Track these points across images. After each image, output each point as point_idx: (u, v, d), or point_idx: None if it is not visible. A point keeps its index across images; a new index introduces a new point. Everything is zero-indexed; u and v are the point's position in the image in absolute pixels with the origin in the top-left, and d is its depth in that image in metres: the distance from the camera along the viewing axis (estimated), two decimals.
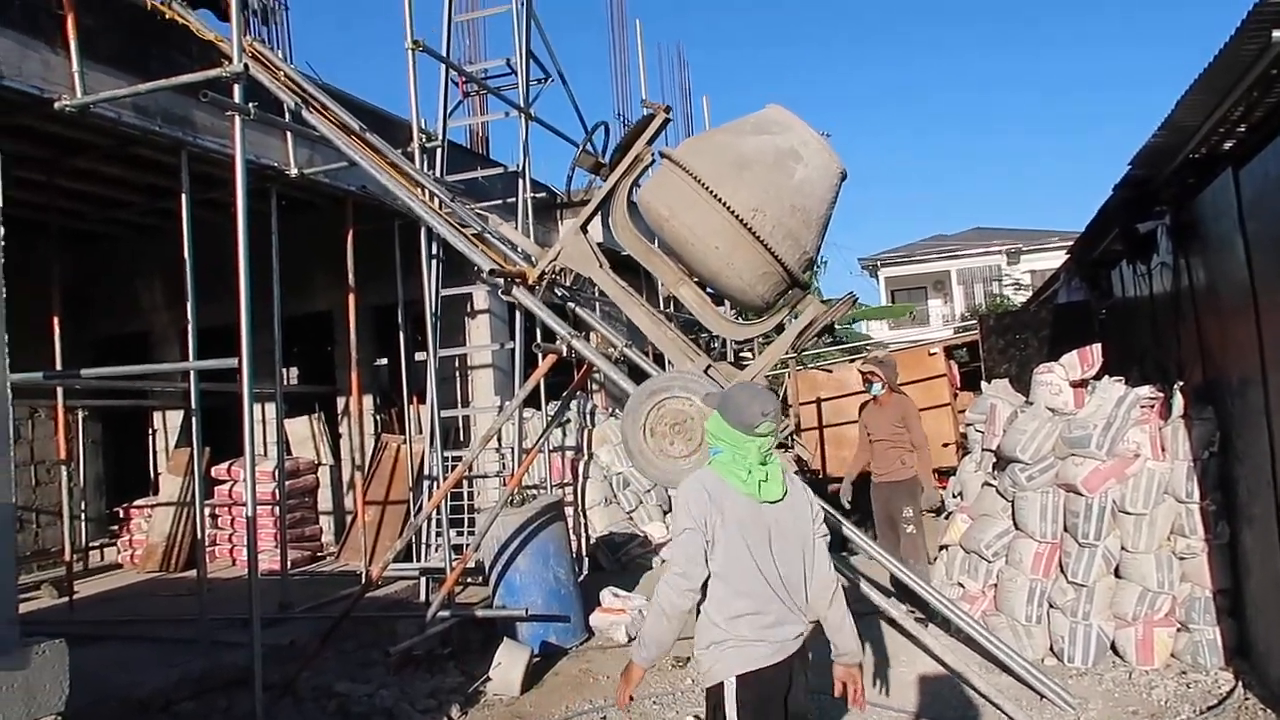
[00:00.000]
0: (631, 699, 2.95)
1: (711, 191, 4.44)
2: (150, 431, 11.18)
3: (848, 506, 7.09)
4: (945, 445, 11.20)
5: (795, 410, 13.00)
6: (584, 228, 5.08)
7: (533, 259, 5.33)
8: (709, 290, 5.29)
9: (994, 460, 6.34)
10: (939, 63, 79.99)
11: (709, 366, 4.96)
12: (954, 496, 7.08)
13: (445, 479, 7.41)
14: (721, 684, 2.77)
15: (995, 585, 5.94)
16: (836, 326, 21.68)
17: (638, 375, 5.25)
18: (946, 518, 6.85)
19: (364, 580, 5.92)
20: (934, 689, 5.17)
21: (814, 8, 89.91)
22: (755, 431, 2.79)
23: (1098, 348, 5.94)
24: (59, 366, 7.47)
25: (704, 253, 4.59)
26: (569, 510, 8.77)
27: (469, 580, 7.90)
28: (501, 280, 5.09)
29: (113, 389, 9.70)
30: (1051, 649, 5.59)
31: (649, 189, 4.77)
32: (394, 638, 6.27)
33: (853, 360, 14.24)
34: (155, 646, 6.32)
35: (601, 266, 5.06)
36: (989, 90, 78.11)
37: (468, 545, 6.40)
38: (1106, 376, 5.92)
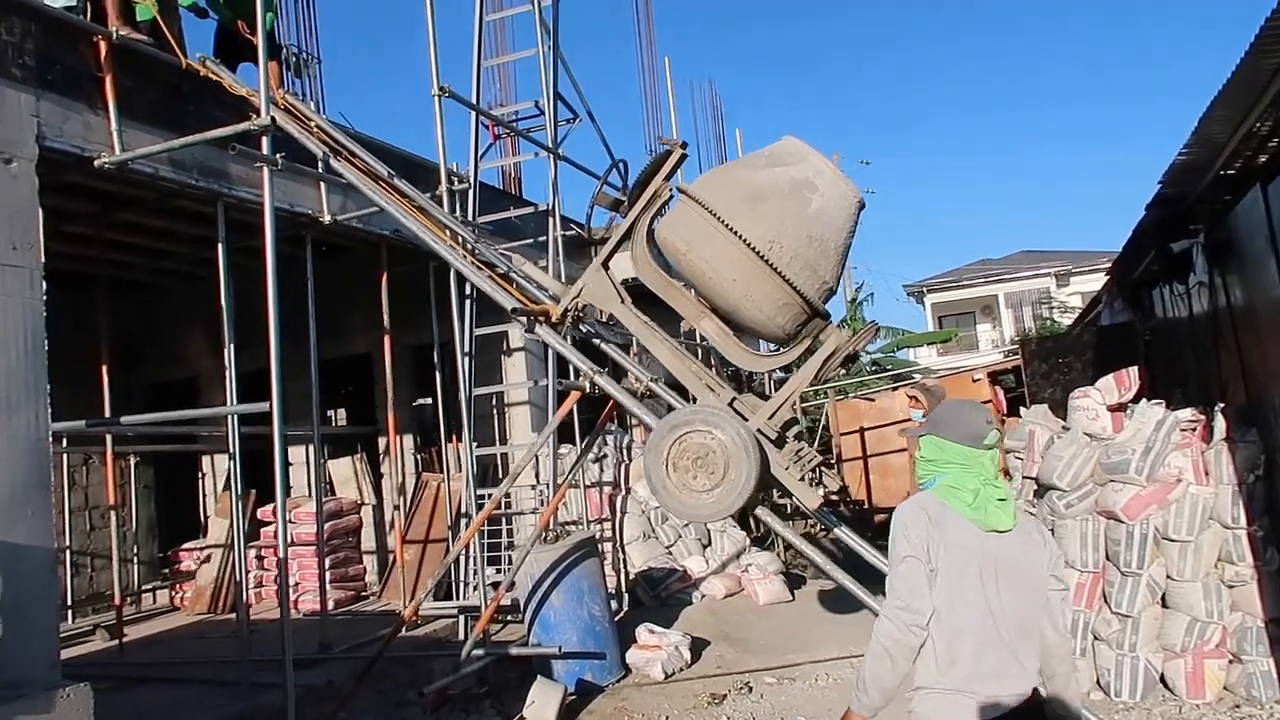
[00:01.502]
0: None
1: (727, 224, 4.46)
2: (200, 475, 11.42)
3: None
4: None
5: (836, 441, 12.89)
6: (605, 264, 5.13)
7: (557, 297, 5.38)
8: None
9: (1034, 488, 6.21)
10: (980, 81, 79.34)
11: (733, 399, 4.95)
12: None
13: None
14: None
15: None
16: (880, 355, 21.45)
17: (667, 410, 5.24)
18: None
19: (403, 619, 5.95)
20: None
21: (849, 29, 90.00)
22: (984, 444, 2.47)
23: (1134, 370, 5.81)
24: (109, 413, 7.69)
25: (722, 285, 4.61)
26: (607, 546, 8.76)
27: (508, 618, 7.91)
28: (525, 319, 5.14)
29: (163, 434, 9.95)
30: (1098, 682, 5.41)
31: (666, 224, 4.81)
32: (430, 677, 6.28)
33: (896, 388, 14.10)
34: (198, 688, 6.41)
35: (623, 302, 5.09)
36: (1034, 108, 77.22)
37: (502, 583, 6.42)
38: (1145, 400, 5.78)
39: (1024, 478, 6.44)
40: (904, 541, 2.43)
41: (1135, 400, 5.80)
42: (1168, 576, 5.28)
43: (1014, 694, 2.38)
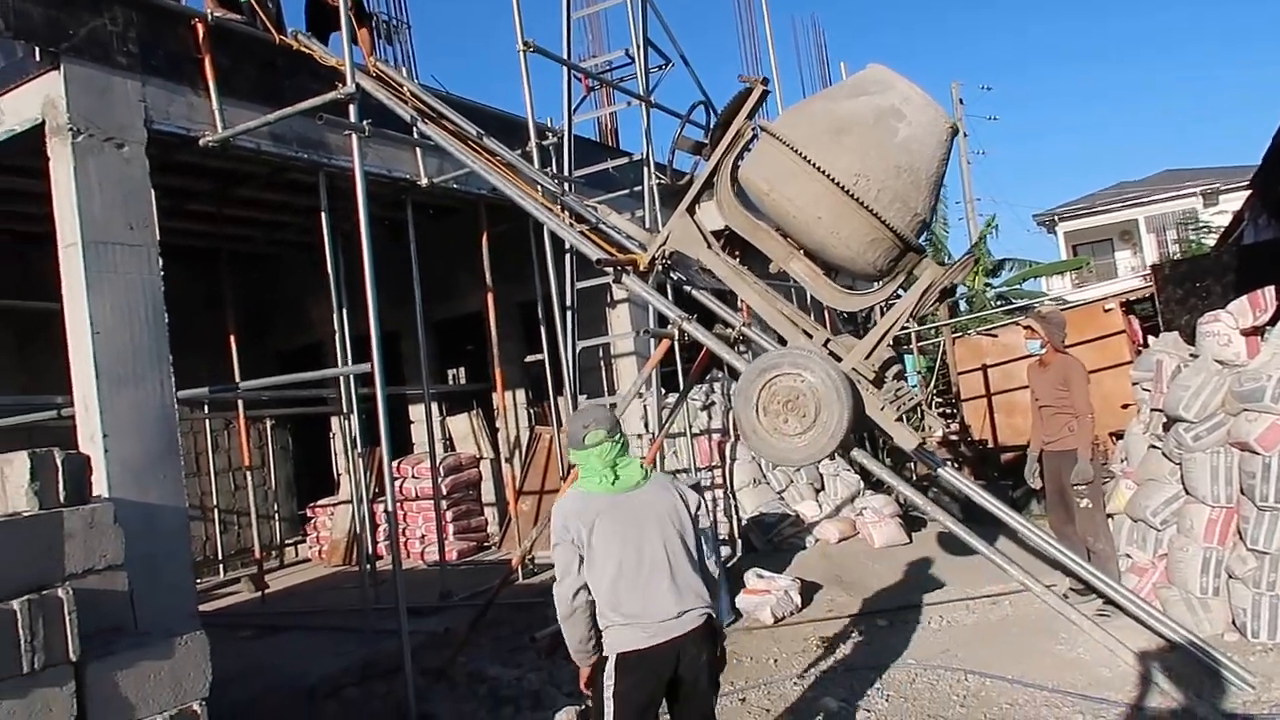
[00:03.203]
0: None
1: (809, 160, 4.30)
2: (329, 435, 12.01)
3: (1036, 485, 6.40)
4: (1125, 407, 10.41)
5: (956, 380, 12.45)
6: (690, 210, 5.05)
7: (644, 246, 5.34)
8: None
9: (1162, 420, 5.86)
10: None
11: (827, 340, 4.83)
12: (1120, 462, 6.60)
13: None
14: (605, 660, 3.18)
15: (1165, 556, 5.49)
16: (1006, 289, 20.56)
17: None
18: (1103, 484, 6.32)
19: (509, 569, 6.13)
20: (1090, 666, 4.85)
21: None
22: (586, 444, 3.22)
23: (1271, 291, 5.35)
24: (239, 379, 8.14)
25: (807, 224, 4.46)
26: (718, 493, 8.77)
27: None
28: (612, 270, 5.13)
29: (292, 398, 10.47)
30: (1233, 623, 5.11)
31: (748, 164, 4.68)
32: (545, 622, 6.46)
33: (1019, 322, 13.47)
34: (328, 636, 6.79)
35: (710, 247, 5.01)
36: (1170, 10, 71.24)
37: None
38: None
39: (1151, 410, 6.09)
40: (557, 532, 3.18)
41: (1272, 323, 5.37)
42: None
43: (676, 613, 3.12)
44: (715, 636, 3.31)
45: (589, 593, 3.16)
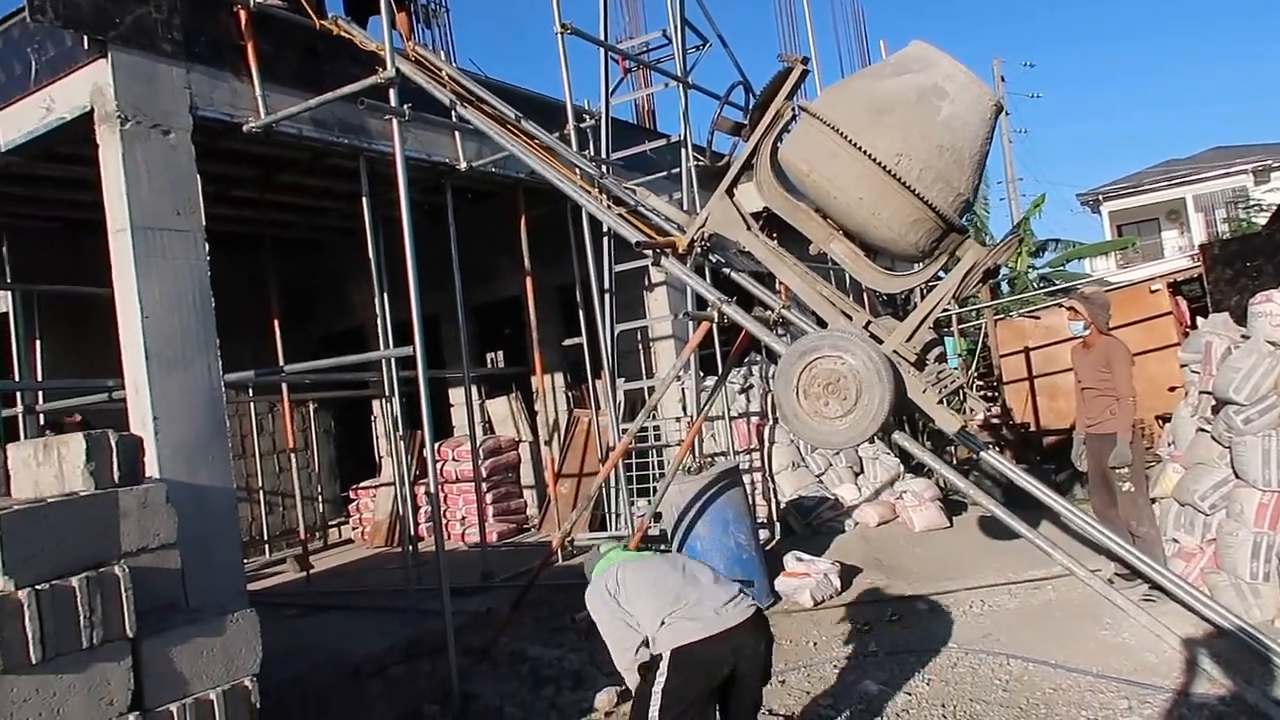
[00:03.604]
0: None
1: (850, 140, 4.26)
2: (371, 419, 12.16)
3: (1082, 468, 6.34)
4: (1171, 390, 10.22)
5: (997, 362, 12.31)
6: (729, 191, 5.02)
7: (683, 228, 5.32)
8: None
9: (1211, 403, 5.75)
10: None
11: (868, 322, 4.79)
12: (1167, 445, 6.48)
13: (631, 451, 7.64)
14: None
15: (1214, 540, 5.40)
16: (1049, 270, 20.24)
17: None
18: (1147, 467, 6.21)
19: (549, 550, 6.18)
20: (1136, 652, 4.79)
21: None
22: (603, 552, 3.88)
23: None
24: (283, 363, 8.26)
25: (848, 205, 4.42)
26: (756, 476, 8.76)
27: (661, 547, 8.07)
28: (651, 252, 5.13)
29: (334, 381, 10.61)
30: None
31: (788, 145, 4.65)
32: (585, 604, 6.51)
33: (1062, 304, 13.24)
34: (372, 615, 6.90)
35: (749, 229, 4.98)
36: None
37: (642, 514, 6.55)
38: None
39: (1200, 392, 5.97)
40: (594, 608, 3.55)
41: None
42: None
43: (724, 599, 3.33)
44: (767, 626, 3.39)
45: (647, 647, 3.30)
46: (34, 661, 2.69)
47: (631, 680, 3.40)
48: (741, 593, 3.42)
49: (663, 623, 3.23)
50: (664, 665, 3.17)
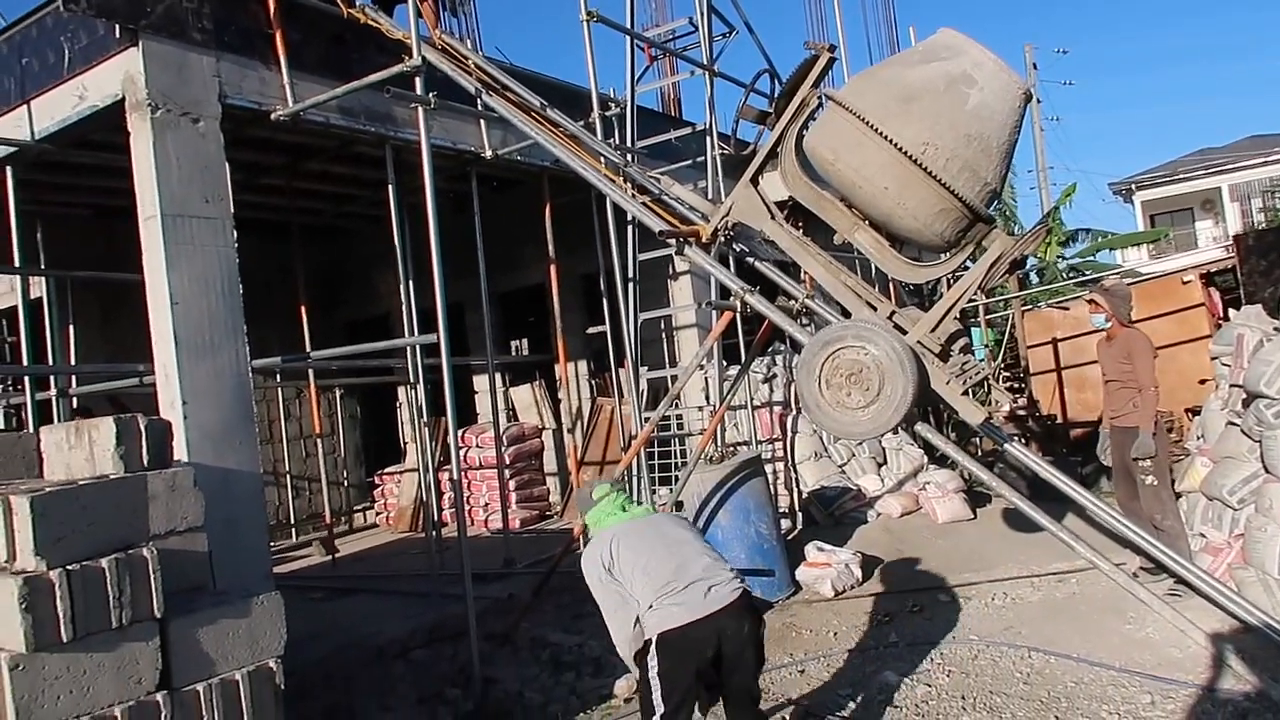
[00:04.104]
0: None
1: (875, 129, 4.23)
2: (396, 405, 12.26)
3: (1107, 461, 6.27)
4: (1203, 382, 10.09)
5: (1024, 354, 12.19)
6: (754, 180, 5.01)
7: (707, 217, 5.32)
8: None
9: (1242, 397, 5.67)
10: None
11: (893, 313, 4.76)
12: (1196, 438, 6.41)
13: (653, 439, 7.64)
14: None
15: (1242, 536, 5.34)
16: (1079, 260, 19.99)
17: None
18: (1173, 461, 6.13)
19: (571, 537, 6.22)
20: (1160, 646, 4.75)
21: None
22: (595, 498, 3.78)
23: None
24: (309, 350, 8.34)
25: (873, 194, 4.40)
26: (778, 466, 8.75)
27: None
28: (674, 241, 5.12)
29: (360, 367, 10.71)
30: None
31: (813, 133, 4.62)
32: None
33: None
34: (397, 599, 6.98)
35: (773, 218, 4.97)
36: None
37: (664, 502, 6.56)
38: None
39: (1230, 385, 5.90)
40: (589, 575, 3.56)
41: None
42: None
43: (709, 581, 3.37)
44: (754, 610, 3.47)
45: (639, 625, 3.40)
46: (64, 640, 2.75)
47: (625, 654, 3.52)
48: (731, 575, 3.47)
49: (651, 606, 3.34)
50: (652, 649, 3.31)
